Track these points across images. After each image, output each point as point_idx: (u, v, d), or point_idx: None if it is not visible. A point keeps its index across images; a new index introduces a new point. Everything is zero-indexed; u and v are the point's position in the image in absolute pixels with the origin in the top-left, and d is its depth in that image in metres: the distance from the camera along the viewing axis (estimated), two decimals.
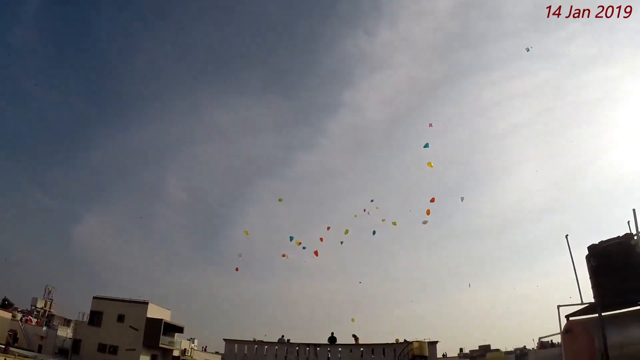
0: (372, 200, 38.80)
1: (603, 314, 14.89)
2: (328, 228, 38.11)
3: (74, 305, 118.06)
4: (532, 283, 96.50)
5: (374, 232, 36.13)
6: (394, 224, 36.43)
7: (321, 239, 34.88)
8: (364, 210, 36.24)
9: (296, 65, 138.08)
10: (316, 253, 33.83)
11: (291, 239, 34.64)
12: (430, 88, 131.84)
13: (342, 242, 36.64)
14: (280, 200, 52.74)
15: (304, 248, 33.62)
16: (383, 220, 36.25)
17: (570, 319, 15.98)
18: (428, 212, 33.12)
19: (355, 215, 36.49)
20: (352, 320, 38.90)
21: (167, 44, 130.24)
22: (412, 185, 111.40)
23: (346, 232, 35.55)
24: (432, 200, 33.22)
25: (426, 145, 33.38)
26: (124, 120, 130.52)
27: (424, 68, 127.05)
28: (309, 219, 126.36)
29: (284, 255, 35.55)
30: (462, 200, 43.81)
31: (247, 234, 45.30)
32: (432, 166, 34.29)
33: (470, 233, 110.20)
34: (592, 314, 15.39)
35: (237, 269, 37.20)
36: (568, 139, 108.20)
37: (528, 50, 33.00)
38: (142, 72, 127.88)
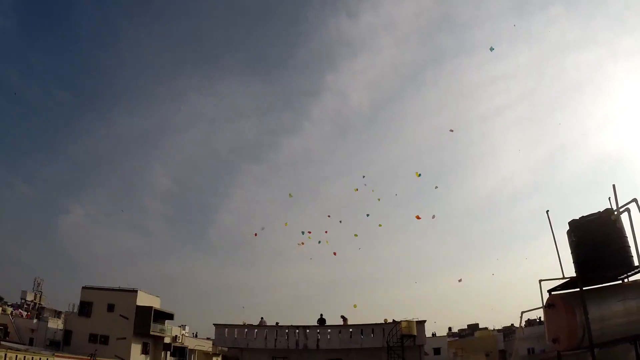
0: (363, 177, 41.03)
1: (584, 288, 15.14)
2: (329, 216, 39.91)
3: (64, 296, 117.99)
4: (518, 263, 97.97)
5: (367, 215, 37.69)
6: (380, 225, 38.86)
7: (326, 232, 36.19)
8: (356, 189, 37.64)
9: (278, 50, 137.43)
10: (334, 253, 36.15)
11: (303, 233, 36.23)
12: (413, 71, 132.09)
13: (340, 221, 38.26)
14: (290, 195, 53.93)
15: (319, 242, 35.03)
16: (379, 199, 38.40)
17: (552, 293, 16.22)
18: (418, 218, 34.94)
19: (356, 189, 38.93)
20: (355, 306, 40.35)
21: (148, 31, 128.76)
22: (396, 168, 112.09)
23: (355, 235, 37.75)
24: (417, 217, 35.36)
25: (419, 175, 36.64)
26: (106, 109, 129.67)
27: (407, 51, 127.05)
28: (294, 203, 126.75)
29: (302, 244, 36.64)
30: (435, 188, 46.20)
31: (286, 224, 45.70)
32: (418, 175, 36.91)
33: (457, 215, 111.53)
34: (574, 288, 15.61)
35: (255, 234, 41.07)
36: (550, 121, 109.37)
37: (492, 49, 33.54)
38: (123, 59, 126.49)
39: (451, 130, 66.13)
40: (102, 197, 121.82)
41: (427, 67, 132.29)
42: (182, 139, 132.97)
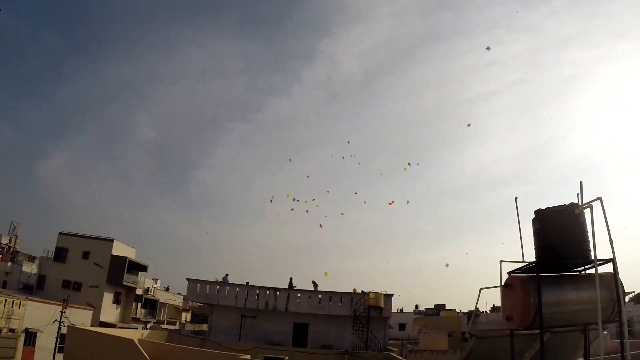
0: (348, 142, 42.92)
1: (541, 274, 15.98)
2: (307, 176, 41.82)
3: (39, 242, 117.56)
4: (491, 249, 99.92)
5: (355, 193, 39.90)
6: (342, 213, 41.13)
7: (313, 199, 37.52)
8: (342, 156, 38.90)
9: (274, 9, 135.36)
10: (320, 225, 39.19)
11: (294, 199, 37.63)
12: (409, 46, 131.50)
13: (328, 191, 40.10)
14: (290, 160, 55.21)
15: (307, 212, 36.28)
16: (359, 163, 40.17)
17: (512, 275, 17.09)
18: (390, 204, 36.53)
19: (341, 157, 39.81)
20: (326, 274, 41.95)
21: None
22: (382, 140, 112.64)
23: (342, 214, 39.50)
24: (391, 203, 38.12)
25: (408, 163, 37.95)
26: (95, 55, 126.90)
27: (404, 26, 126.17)
28: (277, 164, 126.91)
29: (292, 209, 38.58)
30: (417, 165, 47.67)
31: (288, 195, 46.94)
32: (406, 170, 38.51)
33: (437, 194, 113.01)
34: (532, 273, 16.47)
35: (271, 201, 41.50)
36: (539, 112, 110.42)
37: (488, 49, 34.80)
38: (114, 4, 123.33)
39: (468, 125, 67.62)
40: (84, 144, 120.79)
41: (422, 43, 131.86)
42: (169, 91, 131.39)
